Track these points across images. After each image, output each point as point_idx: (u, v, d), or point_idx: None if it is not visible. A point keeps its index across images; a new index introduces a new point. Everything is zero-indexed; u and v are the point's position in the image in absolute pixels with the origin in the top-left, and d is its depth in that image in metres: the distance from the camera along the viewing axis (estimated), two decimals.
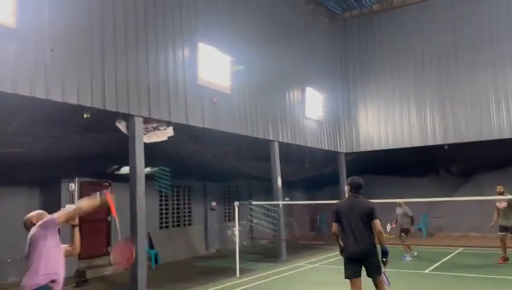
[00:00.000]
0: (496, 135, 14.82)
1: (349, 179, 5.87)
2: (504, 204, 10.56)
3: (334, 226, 5.76)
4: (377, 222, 5.47)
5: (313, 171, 17.57)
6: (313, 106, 15.65)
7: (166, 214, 13.98)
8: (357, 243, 5.46)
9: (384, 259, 5.49)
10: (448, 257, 12.40)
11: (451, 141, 15.61)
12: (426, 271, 10.49)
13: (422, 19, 16.37)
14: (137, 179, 8.78)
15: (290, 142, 14.21)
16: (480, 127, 15.06)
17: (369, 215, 5.51)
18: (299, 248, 14.93)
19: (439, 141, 15.86)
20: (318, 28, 17.00)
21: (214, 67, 10.96)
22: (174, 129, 9.83)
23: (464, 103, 15.37)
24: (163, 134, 9.57)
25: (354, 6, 17.18)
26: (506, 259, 10.87)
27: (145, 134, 9.19)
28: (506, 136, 14.65)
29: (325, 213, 19.62)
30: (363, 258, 5.49)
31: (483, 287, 8.88)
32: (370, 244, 5.49)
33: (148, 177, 10.98)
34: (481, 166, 17.40)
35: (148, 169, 12.16)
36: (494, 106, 14.87)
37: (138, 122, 8.87)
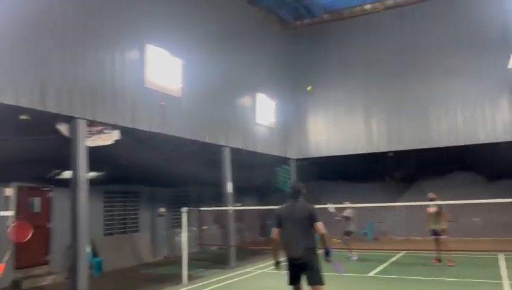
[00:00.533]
0: (436, 143, 15.59)
1: (290, 185, 5.93)
2: (433, 209, 11.52)
3: (275, 232, 5.62)
4: (320, 224, 5.41)
5: (263, 176, 17.67)
6: (264, 112, 15.76)
7: (111, 220, 13.51)
8: (298, 247, 5.34)
9: (328, 259, 5.48)
10: (392, 259, 12.84)
11: (395, 148, 16.25)
12: (370, 274, 10.79)
13: (369, 30, 16.98)
14: (79, 184, 8.41)
15: (240, 147, 14.20)
16: (423, 135, 15.79)
17: (310, 218, 5.43)
18: (249, 253, 14.90)
19: (384, 149, 16.47)
20: (270, 35, 17.18)
21: (163, 70, 10.75)
22: (120, 133, 9.53)
23: (407, 113, 16.06)
24: (109, 137, 9.26)
25: (305, 15, 17.53)
26: (439, 260, 11.67)
27: (89, 137, 8.83)
28: (445, 144, 15.46)
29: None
30: (303, 263, 5.38)
31: (422, 288, 9.26)
32: (310, 248, 5.39)
33: (92, 182, 10.59)
34: (423, 172, 18.27)
35: (93, 174, 11.73)
36: (434, 116, 15.65)
37: (81, 125, 8.51)
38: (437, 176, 17.94)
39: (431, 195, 11.72)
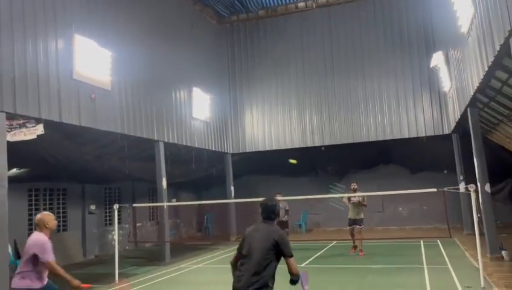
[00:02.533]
0: (365, 138, 16.41)
1: (260, 202, 4.37)
2: (356, 199, 11.87)
3: (234, 257, 4.26)
4: (291, 261, 4.00)
5: (200, 171, 17.58)
6: (200, 106, 15.64)
7: None
8: (243, 278, 3.96)
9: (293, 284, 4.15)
10: (323, 250, 13.35)
11: (327, 142, 16.89)
12: (303, 265, 11.14)
13: (303, 28, 17.44)
14: None
15: (176, 142, 13.99)
16: (352, 130, 16.54)
17: (273, 249, 4.00)
18: (184, 249, 14.78)
19: (317, 143, 17.05)
20: (206, 29, 17.06)
21: (92, 62, 10.28)
22: (45, 127, 8.99)
23: (339, 108, 16.74)
24: (32, 132, 8.69)
25: (240, 10, 17.61)
26: (355, 247, 12.20)
27: (9, 131, 8.25)
28: (374, 138, 16.32)
29: (212, 213, 19.76)
30: None
31: (349, 275, 9.76)
32: (256, 282, 3.92)
33: (15, 180, 9.94)
34: (353, 166, 19.15)
35: (14, 170, 11.00)
36: (363, 112, 16.45)
37: (0, 118, 7.92)
38: (365, 169, 18.89)
39: (354, 185, 12.09)
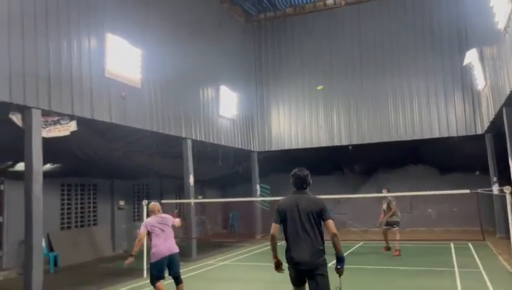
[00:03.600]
0: (394, 137, 16.12)
1: (291, 173, 4.70)
2: (384, 206, 12.36)
3: (275, 228, 4.53)
4: (330, 223, 4.42)
5: (226, 169, 17.67)
6: (227, 104, 15.71)
7: (68, 213, 13.09)
8: (303, 250, 4.36)
9: (339, 267, 4.51)
10: (350, 250, 13.19)
11: (355, 141, 16.67)
12: (329, 265, 11.04)
13: (331, 26, 17.25)
14: (33, 176, 8.09)
15: (203, 140, 14.11)
16: (381, 129, 16.28)
17: (318, 215, 4.42)
18: (210, 246, 14.89)
19: (344, 142, 16.86)
20: (233, 27, 17.10)
21: (123, 60, 10.47)
22: (78, 123, 9.23)
23: (367, 107, 16.49)
24: (65, 128, 8.94)
25: (268, 8, 17.57)
26: (387, 248, 12.31)
27: (44, 128, 8.50)
28: (403, 138, 16.01)
29: (238, 211, 19.83)
30: (310, 270, 4.41)
31: (377, 277, 9.60)
32: (319, 252, 4.42)
33: (48, 175, 10.22)
34: (381, 165, 18.85)
35: (48, 166, 11.31)
36: (392, 111, 16.16)
37: (36, 115, 8.18)
38: (393, 169, 18.57)
39: (385, 191, 12.37)
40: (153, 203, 7.47)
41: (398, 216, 12.23)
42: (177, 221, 7.40)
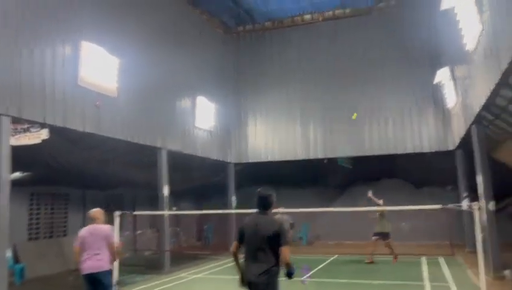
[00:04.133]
0: (368, 151, 16.35)
1: (257, 192, 4.64)
2: (376, 214, 12.81)
3: (234, 246, 4.56)
4: (285, 250, 4.24)
5: (201, 180, 17.55)
6: (204, 115, 15.66)
7: (37, 224, 12.71)
8: (253, 270, 4.31)
9: (290, 278, 4.38)
10: (324, 263, 13.23)
11: (331, 155, 16.83)
12: (303, 277, 11.02)
13: (308, 40, 17.50)
14: (0, 185, 7.82)
15: (179, 150, 13.99)
16: (356, 143, 16.49)
17: (274, 239, 4.27)
18: (184, 258, 14.68)
19: (320, 155, 16.99)
20: (212, 39, 17.15)
21: (99, 69, 10.33)
22: (50, 132, 9.02)
23: (342, 121, 16.69)
24: (36, 136, 8.73)
25: (247, 21, 17.70)
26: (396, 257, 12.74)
27: (13, 135, 8.28)
28: (377, 152, 16.26)
29: (213, 223, 19.67)
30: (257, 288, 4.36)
31: None
32: (270, 275, 4.30)
33: (17, 183, 9.92)
34: (356, 179, 19.08)
35: (17, 174, 11.00)
36: (367, 126, 16.42)
37: (5, 122, 7.96)
38: (368, 183, 18.78)
39: (381, 201, 12.98)
40: (93, 210, 6.60)
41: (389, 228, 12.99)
42: (116, 242, 6.32)
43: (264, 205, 4.50)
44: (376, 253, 12.86)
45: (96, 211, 6.47)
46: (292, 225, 12.40)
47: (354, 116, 11.41)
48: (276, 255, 4.28)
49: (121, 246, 6.60)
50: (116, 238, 6.46)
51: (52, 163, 11.15)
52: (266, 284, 4.27)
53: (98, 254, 6.00)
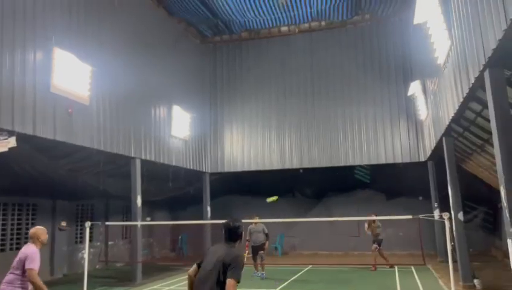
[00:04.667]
0: (342, 162, 16.54)
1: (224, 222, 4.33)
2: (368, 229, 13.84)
3: (193, 268, 4.21)
4: (230, 283, 3.78)
5: (176, 190, 17.33)
6: (179, 124, 15.52)
7: (3, 235, 12.25)
8: None
9: None
10: (298, 274, 13.22)
11: (306, 165, 16.94)
12: (278, 289, 10.99)
13: (285, 52, 17.67)
14: None
15: (153, 159, 13.80)
16: (330, 154, 16.67)
17: (224, 269, 3.88)
18: (157, 269, 14.41)
19: (295, 165, 17.07)
20: (188, 48, 17.10)
21: (71, 76, 10.12)
22: (17, 140, 8.74)
23: (317, 132, 16.88)
24: (3, 144, 8.43)
25: (224, 32, 17.74)
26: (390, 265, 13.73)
27: None
28: (351, 163, 16.48)
29: (187, 234, 19.42)
30: None
31: None
32: None
33: None
34: (331, 189, 19.24)
35: None
36: (341, 136, 16.63)
37: None
38: (342, 193, 19.01)
39: (373, 214, 13.32)
40: (37, 227, 5.76)
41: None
42: (33, 269, 5.24)
43: (231, 236, 4.20)
44: (349, 263, 13.02)
45: (35, 230, 5.64)
46: (267, 235, 12.51)
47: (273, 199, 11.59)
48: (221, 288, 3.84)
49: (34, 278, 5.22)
50: (35, 265, 5.26)
51: (20, 172, 10.79)
52: None
53: (9, 282, 5.22)
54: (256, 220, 12.29)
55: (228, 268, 3.85)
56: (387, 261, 13.69)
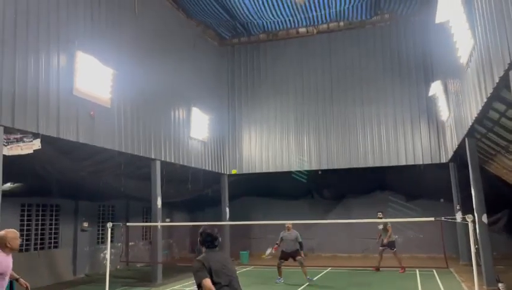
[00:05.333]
0: (362, 163, 16.38)
1: (202, 230, 4.60)
2: (381, 226, 13.54)
3: (209, 282, 4.18)
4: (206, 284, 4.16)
5: (195, 192, 17.45)
6: (198, 126, 15.64)
7: (27, 235, 12.52)
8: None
9: None
10: (318, 276, 13.13)
11: (324, 167, 16.83)
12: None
13: (303, 53, 17.62)
14: None
15: (173, 161, 13.93)
16: (349, 155, 16.53)
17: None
18: (177, 270, 14.50)
19: (314, 167, 16.99)
20: (207, 50, 17.22)
21: (93, 79, 10.30)
22: (42, 142, 8.94)
23: (336, 133, 16.77)
24: (29, 146, 8.63)
25: (242, 33, 17.80)
26: (378, 269, 13.35)
27: (5, 145, 8.19)
28: (371, 164, 16.30)
29: None
30: None
31: None
32: None
33: (7, 194, 9.80)
34: (349, 191, 19.08)
35: (8, 185, 10.87)
36: (361, 138, 16.48)
37: None
38: (361, 195, 18.82)
39: (380, 214, 13.58)
40: (7, 230, 4.92)
41: (393, 237, 13.81)
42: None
43: (216, 242, 4.53)
44: (369, 266, 12.91)
45: (5, 233, 4.84)
46: (301, 244, 11.86)
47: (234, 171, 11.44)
48: None
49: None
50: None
51: (44, 174, 11.02)
52: None
53: None
54: (290, 225, 11.80)
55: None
56: (379, 265, 13.45)
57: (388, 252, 13.77)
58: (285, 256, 11.85)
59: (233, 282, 4.32)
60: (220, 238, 4.61)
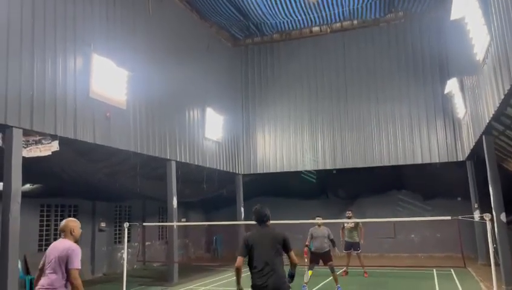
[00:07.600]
0: (377, 162, 16.26)
1: (253, 209, 5.24)
2: (352, 224, 12.97)
3: (240, 261, 4.95)
4: (293, 254, 5.04)
5: (210, 192, 17.54)
6: (212, 126, 15.73)
7: (47, 235, 12.78)
8: (273, 276, 4.83)
9: (290, 281, 5.06)
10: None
11: (339, 166, 16.76)
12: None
13: (316, 52, 17.57)
14: (11, 196, 7.90)
15: (188, 162, 14.04)
16: (364, 154, 16.42)
17: (284, 247, 5.02)
18: (193, 270, 14.64)
19: (328, 166, 16.93)
20: (221, 51, 17.30)
21: (109, 81, 10.47)
22: (60, 143, 9.12)
23: (351, 132, 16.68)
24: (47, 148, 8.81)
25: (255, 34, 17.83)
26: (346, 273, 12.96)
27: (24, 147, 8.38)
28: (386, 163, 16.17)
29: (222, 234, 19.63)
30: None
31: None
32: (284, 277, 4.96)
33: (27, 195, 10.02)
34: (365, 190, 18.94)
35: (28, 186, 11.11)
36: (376, 136, 16.36)
37: (17, 134, 8.05)
38: (377, 194, 18.68)
39: (349, 213, 13.12)
40: (68, 219, 4.82)
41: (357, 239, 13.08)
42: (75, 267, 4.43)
43: (263, 219, 5.15)
44: (384, 265, 12.75)
45: (67, 221, 4.73)
46: (333, 241, 10.79)
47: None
48: (282, 261, 4.97)
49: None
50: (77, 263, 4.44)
51: (62, 175, 11.23)
52: (288, 287, 4.95)
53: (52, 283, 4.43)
54: (320, 222, 10.61)
55: (284, 244, 4.98)
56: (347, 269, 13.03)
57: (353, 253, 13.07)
58: (315, 259, 10.53)
59: (266, 268, 4.81)
60: (268, 214, 5.17)
